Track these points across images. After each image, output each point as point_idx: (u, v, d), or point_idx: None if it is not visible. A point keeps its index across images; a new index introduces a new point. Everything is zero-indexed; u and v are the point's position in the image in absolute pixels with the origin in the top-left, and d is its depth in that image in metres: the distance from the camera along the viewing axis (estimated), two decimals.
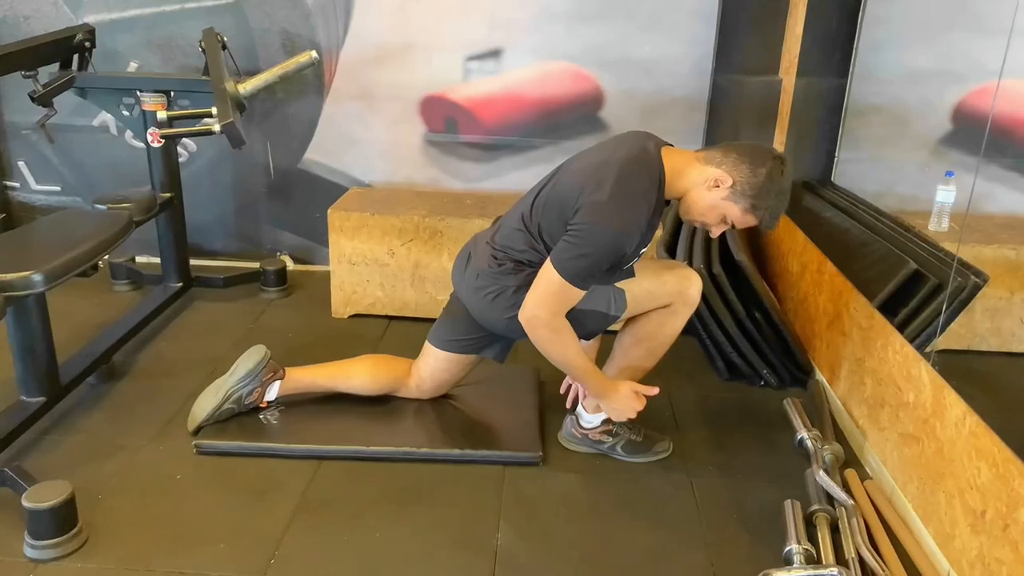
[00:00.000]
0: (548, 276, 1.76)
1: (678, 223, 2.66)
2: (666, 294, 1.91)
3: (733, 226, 1.84)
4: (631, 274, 1.90)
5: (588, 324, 1.89)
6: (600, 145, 1.92)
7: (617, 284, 1.88)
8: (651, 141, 1.83)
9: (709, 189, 1.77)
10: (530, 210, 1.88)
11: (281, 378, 2.13)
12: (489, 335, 2.02)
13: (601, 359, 2.06)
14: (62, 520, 1.64)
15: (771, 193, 1.76)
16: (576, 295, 1.78)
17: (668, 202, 1.87)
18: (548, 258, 1.77)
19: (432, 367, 2.13)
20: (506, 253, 1.90)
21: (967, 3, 1.93)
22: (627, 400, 1.92)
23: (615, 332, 2.04)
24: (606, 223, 1.72)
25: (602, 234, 1.72)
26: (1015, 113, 1.61)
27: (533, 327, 1.80)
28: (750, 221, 1.80)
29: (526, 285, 1.83)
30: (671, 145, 1.86)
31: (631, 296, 1.89)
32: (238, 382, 2.07)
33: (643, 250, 1.90)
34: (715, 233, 1.87)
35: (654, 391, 1.93)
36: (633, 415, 1.93)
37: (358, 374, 2.16)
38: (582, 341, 1.89)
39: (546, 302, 1.78)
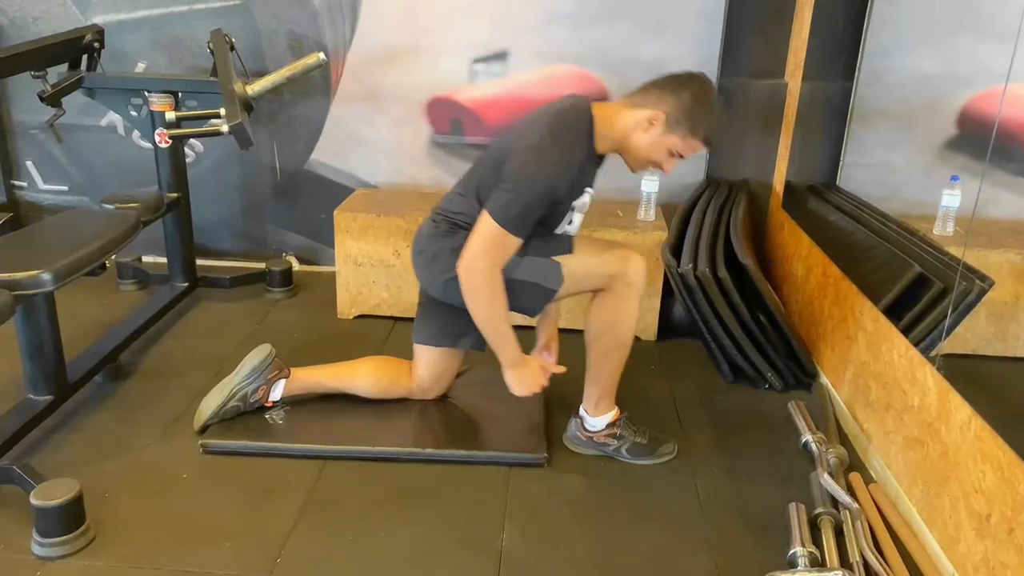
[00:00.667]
0: (484, 225, 1.79)
1: (682, 225, 2.67)
2: (606, 274, 1.89)
3: (680, 156, 1.87)
4: (569, 249, 1.91)
5: (525, 295, 1.90)
6: (535, 109, 1.94)
7: (555, 258, 1.89)
8: (581, 99, 1.87)
9: (646, 130, 1.82)
10: (469, 174, 1.95)
11: (286, 377, 2.14)
12: (458, 324, 2.02)
13: (578, 365, 2.07)
14: (70, 518, 1.65)
15: (702, 112, 1.81)
16: (512, 243, 1.80)
17: (603, 157, 1.92)
18: (483, 210, 1.80)
19: (423, 364, 2.15)
20: (444, 216, 1.95)
21: (973, 7, 1.93)
22: (533, 374, 1.95)
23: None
24: (535, 166, 1.76)
25: (532, 177, 1.76)
26: (1021, 118, 1.61)
27: (470, 279, 1.81)
28: (694, 146, 1.85)
29: (461, 247, 1.85)
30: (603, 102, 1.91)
31: (568, 271, 1.89)
32: (243, 379, 2.08)
33: (577, 203, 1.92)
34: (668, 169, 1.90)
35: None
36: (537, 389, 1.96)
37: (361, 375, 2.18)
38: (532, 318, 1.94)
39: (484, 251, 1.79)
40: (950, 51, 2.01)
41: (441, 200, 2.01)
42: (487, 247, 1.79)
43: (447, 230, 1.93)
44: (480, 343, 2.08)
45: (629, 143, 1.85)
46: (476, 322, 1.87)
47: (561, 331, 2.20)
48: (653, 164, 1.89)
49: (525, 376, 1.94)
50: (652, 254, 2.67)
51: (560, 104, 1.86)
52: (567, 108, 1.85)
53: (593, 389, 2.02)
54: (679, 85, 1.82)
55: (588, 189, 1.94)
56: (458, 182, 2.01)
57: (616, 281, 1.89)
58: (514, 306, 1.89)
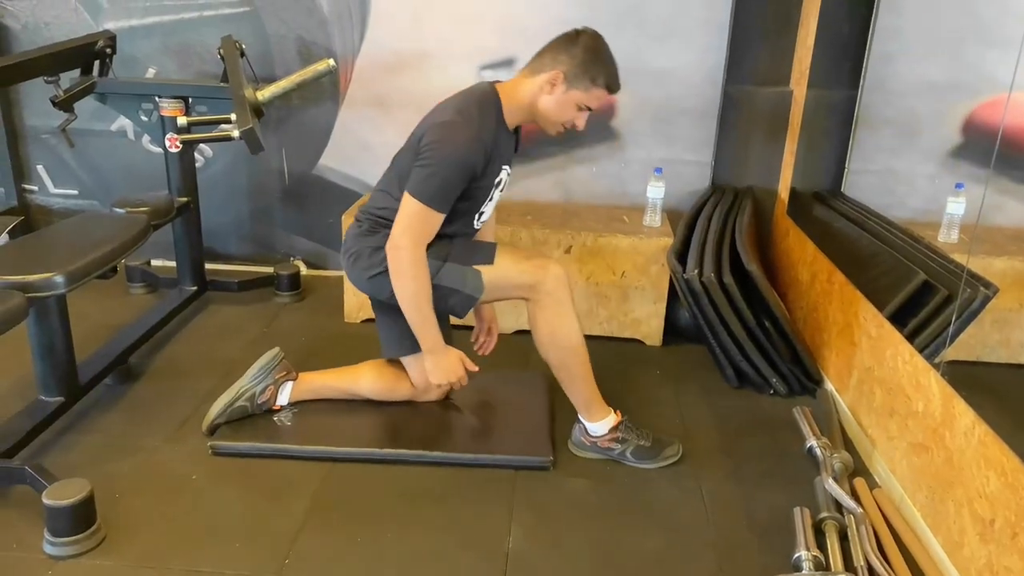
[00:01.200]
0: (406, 203, 1.86)
1: (688, 231, 2.68)
2: (524, 284, 1.94)
3: (590, 109, 1.92)
4: (490, 258, 1.95)
5: (448, 300, 1.96)
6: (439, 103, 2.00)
7: (476, 267, 1.94)
8: (484, 82, 1.98)
9: (549, 92, 1.90)
10: (389, 168, 2.01)
11: (293, 379, 2.16)
12: (407, 329, 2.04)
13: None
14: (81, 518, 1.67)
15: (597, 61, 1.89)
16: (434, 219, 1.86)
17: (517, 132, 2.01)
18: (405, 191, 1.86)
19: (409, 370, 2.17)
20: (368, 214, 2.01)
21: (978, 16, 1.94)
22: (453, 364, 2.00)
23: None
24: (449, 138, 1.83)
25: (447, 149, 1.82)
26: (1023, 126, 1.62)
27: (397, 258, 1.87)
28: (599, 95, 1.91)
29: (382, 246, 1.91)
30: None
31: (487, 278, 1.94)
32: (251, 379, 2.10)
33: (496, 187, 1.98)
34: (580, 124, 1.95)
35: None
36: (453, 379, 2.01)
37: (365, 378, 2.20)
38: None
39: (407, 229, 1.85)
40: (955, 59, 2.02)
41: (367, 201, 2.08)
42: (409, 224, 1.85)
43: (369, 228, 2.00)
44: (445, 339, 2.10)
45: (537, 108, 1.92)
46: (401, 303, 1.91)
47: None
48: (565, 123, 1.95)
49: (445, 364, 1.99)
50: (658, 259, 2.68)
51: (468, 88, 1.96)
52: (470, 89, 1.95)
53: (576, 399, 2.05)
54: (569, 42, 1.90)
55: (505, 167, 2.00)
56: (380, 179, 2.06)
57: (534, 291, 1.94)
58: (442, 308, 1.96)
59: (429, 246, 1.91)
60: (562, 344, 1.97)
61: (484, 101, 1.91)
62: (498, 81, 1.98)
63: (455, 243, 1.98)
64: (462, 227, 2.01)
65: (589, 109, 1.93)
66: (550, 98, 1.90)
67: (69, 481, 1.70)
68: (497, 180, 1.98)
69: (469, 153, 1.84)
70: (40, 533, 1.67)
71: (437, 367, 2.00)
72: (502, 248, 2.00)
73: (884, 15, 2.34)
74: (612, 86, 1.92)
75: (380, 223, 1.98)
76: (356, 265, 2.01)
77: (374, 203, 2.02)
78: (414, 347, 2.07)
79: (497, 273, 1.95)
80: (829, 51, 2.61)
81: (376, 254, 1.95)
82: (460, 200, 1.90)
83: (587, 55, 1.87)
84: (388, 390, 2.19)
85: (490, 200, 2.02)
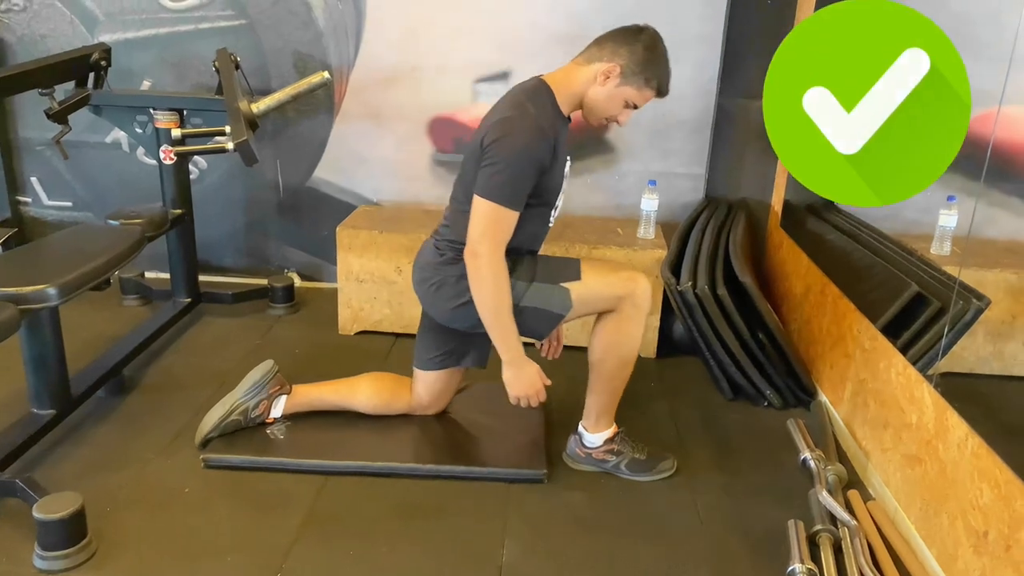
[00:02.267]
0: (478, 207, 1.80)
1: (681, 243, 2.69)
2: (613, 296, 1.90)
3: (635, 107, 1.90)
4: (576, 274, 1.92)
5: (534, 321, 1.91)
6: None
7: (563, 284, 1.90)
8: (531, 78, 1.93)
9: (602, 84, 1.86)
10: (456, 190, 1.97)
11: (287, 393, 2.15)
12: (460, 344, 2.05)
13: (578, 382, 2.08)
14: (72, 532, 1.66)
15: (655, 62, 1.86)
16: (509, 218, 1.80)
17: (568, 119, 1.94)
18: (474, 195, 1.81)
19: (422, 384, 2.17)
20: (448, 242, 1.95)
21: (968, 31, 1.96)
22: (531, 377, 1.93)
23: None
24: (511, 132, 1.78)
25: (512, 144, 1.77)
26: (1015, 139, 1.63)
27: (476, 266, 1.81)
28: (648, 95, 1.89)
29: (466, 274, 1.86)
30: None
31: (576, 296, 1.90)
32: (244, 393, 2.09)
33: (565, 178, 1.94)
34: (623, 120, 1.92)
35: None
36: (531, 392, 1.94)
37: (361, 392, 2.19)
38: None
39: (484, 233, 1.80)
40: None
41: (439, 227, 2.03)
42: (486, 227, 1.80)
43: (452, 258, 1.93)
44: (482, 360, 2.10)
45: (587, 97, 1.89)
46: (481, 314, 1.85)
47: (564, 348, 2.21)
48: (609, 117, 1.92)
49: (523, 377, 1.93)
50: (651, 272, 2.69)
51: (517, 85, 1.92)
52: (525, 84, 1.91)
53: (594, 407, 2.03)
54: (632, 37, 1.86)
55: (567, 159, 1.98)
56: (447, 208, 2.02)
57: (623, 303, 1.90)
58: (523, 331, 1.90)
59: (513, 267, 1.86)
60: (623, 356, 1.96)
61: (536, 93, 1.86)
62: (541, 74, 1.93)
63: (538, 261, 1.94)
64: (539, 225, 1.96)
65: (635, 107, 1.91)
66: (601, 90, 1.86)
67: (60, 494, 1.68)
68: (565, 172, 1.95)
69: (534, 144, 1.79)
70: (31, 547, 1.66)
71: (517, 379, 1.93)
72: (586, 262, 1.95)
73: None
74: (663, 90, 1.90)
75: (462, 250, 1.89)
76: (439, 294, 1.95)
77: (449, 234, 1.96)
78: (458, 362, 2.08)
79: (586, 288, 1.90)
80: None
81: (461, 282, 1.88)
82: (533, 197, 1.85)
83: (647, 54, 1.84)
84: (385, 405, 2.19)
85: (563, 193, 1.98)
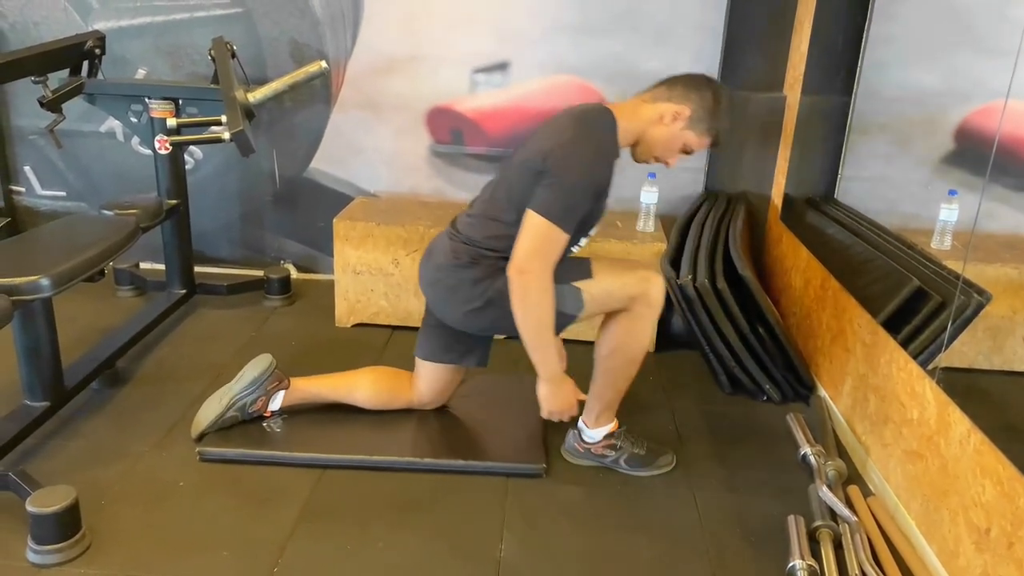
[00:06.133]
0: (532, 223, 1.75)
1: (681, 236, 2.68)
2: (626, 296, 1.88)
3: (690, 152, 1.91)
4: (588, 273, 1.89)
5: None
6: (552, 117, 1.93)
7: (574, 283, 1.87)
8: (597, 103, 1.92)
9: (667, 124, 1.86)
10: (493, 194, 1.91)
11: (285, 388, 2.13)
12: (465, 344, 2.03)
13: (581, 376, 2.07)
14: (65, 525, 1.64)
15: (721, 113, 1.87)
16: (561, 239, 1.76)
17: (620, 153, 1.92)
18: (528, 211, 1.76)
19: (424, 378, 2.14)
20: (468, 245, 1.89)
21: (972, 24, 1.95)
22: (567, 394, 1.92)
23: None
24: (577, 157, 1.76)
25: (578, 166, 1.76)
26: (1017, 133, 1.62)
27: (523, 284, 1.76)
28: (705, 144, 1.91)
29: (485, 277, 1.84)
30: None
31: (588, 296, 1.87)
32: (242, 390, 2.07)
33: (603, 209, 1.91)
34: (672, 163, 1.93)
35: (583, 396, 1.98)
36: (566, 408, 1.92)
37: (361, 387, 2.17)
38: None
39: (536, 251, 1.75)
40: (948, 67, 2.02)
41: (457, 226, 1.95)
42: (539, 246, 1.75)
43: (469, 261, 1.88)
44: (484, 360, 2.08)
45: (647, 135, 1.87)
46: (521, 330, 1.81)
47: (566, 342, 2.19)
48: (660, 157, 1.91)
49: (560, 394, 1.90)
50: (651, 265, 2.67)
51: (581, 106, 1.89)
52: (590, 107, 1.88)
53: (596, 403, 2.01)
54: (703, 84, 1.87)
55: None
56: (474, 205, 1.96)
57: (636, 303, 1.88)
58: None
59: None
60: (631, 354, 1.94)
61: (604, 121, 1.83)
62: (606, 102, 1.92)
63: None
64: (565, 249, 1.90)
65: (690, 153, 1.91)
66: (665, 130, 1.85)
67: (54, 488, 1.67)
68: (607, 200, 1.93)
69: (599, 170, 1.78)
70: (24, 541, 1.64)
71: (554, 396, 1.90)
72: (597, 262, 1.92)
73: (878, 21, 2.34)
74: (719, 143, 1.91)
75: (482, 255, 1.86)
76: (453, 297, 1.91)
77: (474, 233, 1.89)
78: (461, 359, 2.06)
79: (599, 288, 1.88)
80: (823, 57, 2.61)
81: (477, 286, 1.85)
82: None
83: (716, 105, 1.85)
84: (385, 401, 2.17)
85: (599, 222, 1.95)
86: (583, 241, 1.95)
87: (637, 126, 1.86)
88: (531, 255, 1.75)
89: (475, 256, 1.88)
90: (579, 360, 2.10)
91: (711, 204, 2.94)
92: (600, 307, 1.90)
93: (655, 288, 1.88)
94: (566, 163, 1.75)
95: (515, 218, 1.80)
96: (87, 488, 1.80)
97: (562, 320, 1.87)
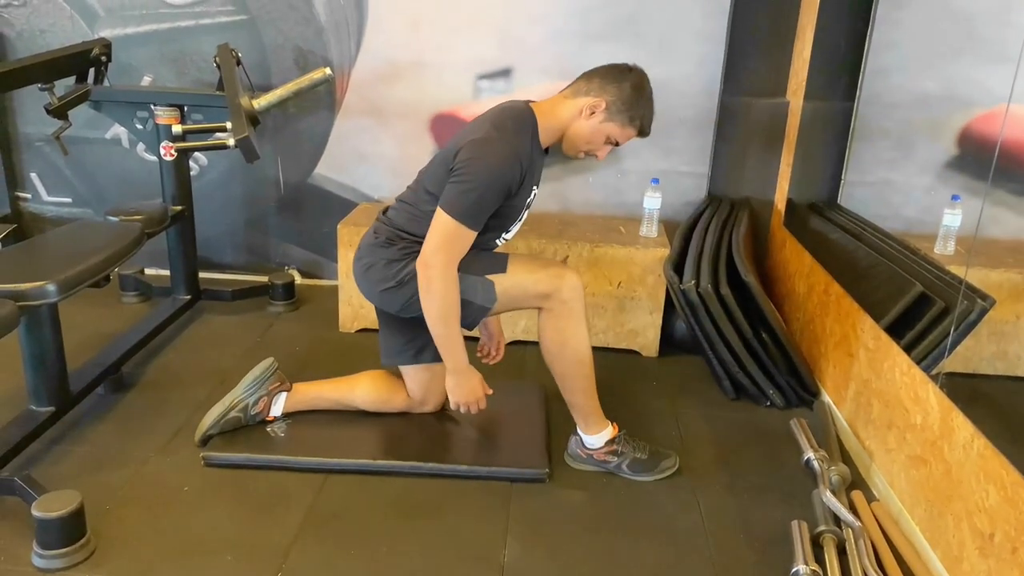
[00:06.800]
0: (439, 220, 1.81)
1: (684, 242, 2.68)
2: (539, 292, 1.90)
3: (616, 144, 1.93)
4: (503, 267, 1.92)
5: (462, 310, 1.90)
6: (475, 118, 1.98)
7: (488, 276, 1.90)
8: (519, 101, 1.94)
9: (587, 118, 1.88)
10: (416, 183, 1.98)
11: (287, 390, 2.14)
12: (414, 342, 2.04)
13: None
14: (70, 530, 1.64)
15: (641, 101, 1.89)
16: (467, 236, 1.82)
17: (547, 151, 1.97)
18: (437, 207, 1.82)
19: (408, 379, 2.16)
20: (388, 227, 1.97)
21: (975, 31, 1.95)
22: (474, 386, 1.95)
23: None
24: (485, 156, 1.79)
25: (483, 166, 1.79)
26: (1020, 138, 1.62)
27: (427, 277, 1.82)
28: (630, 134, 1.92)
29: (398, 259, 1.91)
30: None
31: (501, 289, 1.90)
32: (244, 390, 2.08)
33: (526, 207, 1.95)
34: (601, 156, 1.95)
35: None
36: (472, 400, 1.96)
37: (360, 389, 2.18)
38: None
39: (440, 247, 1.81)
40: (951, 73, 2.03)
41: (388, 211, 2.04)
42: (443, 242, 1.81)
43: (386, 240, 1.96)
44: (438, 355, 2.08)
45: (569, 130, 1.91)
46: (428, 321, 1.87)
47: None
48: (588, 151, 1.94)
49: (466, 385, 1.95)
50: (654, 270, 2.68)
51: (502, 105, 1.93)
52: (508, 106, 1.92)
53: (575, 412, 2.03)
54: (620, 75, 1.88)
55: (535, 187, 1.98)
56: (405, 192, 2.03)
57: (551, 300, 1.90)
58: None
59: None
60: (571, 355, 1.95)
61: (521, 119, 1.87)
62: (532, 100, 1.94)
63: (470, 256, 1.93)
64: (484, 244, 1.95)
65: (616, 144, 1.93)
66: (585, 124, 1.88)
67: (59, 493, 1.67)
68: (528, 200, 1.96)
69: (506, 170, 1.80)
70: (29, 545, 1.65)
71: (459, 387, 1.95)
72: (514, 258, 1.95)
73: (880, 27, 2.34)
74: (645, 130, 1.93)
75: (399, 236, 1.94)
76: (368, 275, 1.97)
77: (396, 216, 1.98)
78: (415, 357, 2.06)
79: (511, 283, 1.91)
80: (825, 63, 2.62)
81: (390, 267, 1.92)
82: (490, 218, 1.86)
83: (635, 93, 1.87)
84: (383, 401, 2.18)
85: (519, 220, 1.99)
86: (506, 236, 2.00)
87: (558, 123, 1.90)
88: (436, 250, 1.81)
89: (392, 237, 1.95)
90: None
91: (714, 209, 2.94)
92: (513, 301, 1.94)
93: (567, 284, 1.89)
94: (471, 163, 1.79)
95: (432, 208, 1.86)
96: (92, 493, 1.81)
97: (475, 311, 1.92)
